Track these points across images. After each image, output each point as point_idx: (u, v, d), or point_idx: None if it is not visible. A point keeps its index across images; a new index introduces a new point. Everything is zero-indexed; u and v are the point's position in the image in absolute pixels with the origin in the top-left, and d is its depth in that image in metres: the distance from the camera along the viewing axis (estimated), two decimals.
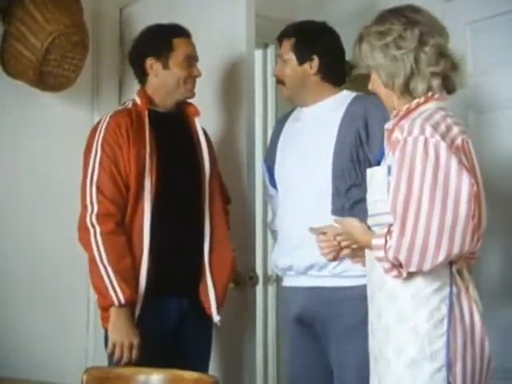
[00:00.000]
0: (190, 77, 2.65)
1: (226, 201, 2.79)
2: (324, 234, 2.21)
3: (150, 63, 2.65)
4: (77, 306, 3.23)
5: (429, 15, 2.10)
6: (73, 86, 3.10)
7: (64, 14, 2.92)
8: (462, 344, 1.94)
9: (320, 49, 2.68)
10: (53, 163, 3.21)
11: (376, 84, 2.13)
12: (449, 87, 2.09)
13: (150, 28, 2.71)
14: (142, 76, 2.70)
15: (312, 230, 2.23)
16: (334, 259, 2.26)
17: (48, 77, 2.98)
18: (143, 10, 3.31)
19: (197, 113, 2.71)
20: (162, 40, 2.64)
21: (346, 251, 2.23)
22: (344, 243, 2.19)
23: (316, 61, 2.67)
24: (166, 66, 2.64)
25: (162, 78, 2.65)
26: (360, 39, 2.13)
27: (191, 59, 2.67)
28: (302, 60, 2.68)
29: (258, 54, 3.74)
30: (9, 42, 2.96)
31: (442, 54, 2.06)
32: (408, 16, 2.07)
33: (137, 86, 3.14)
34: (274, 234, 2.83)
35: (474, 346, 1.96)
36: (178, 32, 2.66)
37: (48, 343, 3.10)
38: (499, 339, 2.62)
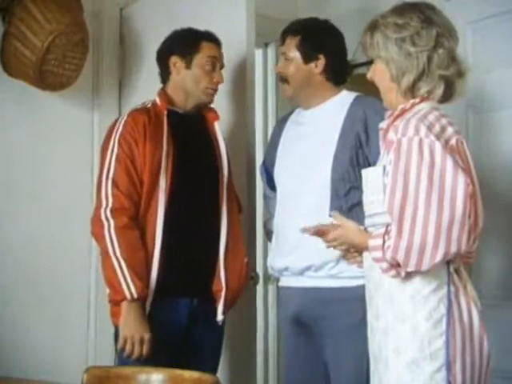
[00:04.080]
0: (211, 82, 2.66)
1: (239, 210, 2.78)
2: (323, 233, 2.20)
3: (174, 61, 2.65)
4: (77, 306, 3.24)
5: (444, 17, 2.09)
6: (73, 85, 3.11)
7: (64, 14, 2.92)
8: (461, 343, 1.94)
9: (326, 48, 2.64)
10: (52, 162, 3.21)
11: (381, 75, 2.11)
12: (449, 94, 2.08)
13: (183, 29, 2.71)
14: (165, 74, 2.70)
15: (305, 229, 2.22)
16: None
17: (48, 76, 2.98)
18: (143, 10, 3.32)
19: (216, 117, 2.71)
20: (191, 40, 2.65)
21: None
22: (341, 247, 2.19)
23: (322, 60, 2.63)
24: (188, 66, 2.65)
25: (182, 78, 2.65)
26: (373, 27, 2.09)
27: (215, 61, 2.67)
28: (307, 59, 2.64)
29: (258, 53, 3.75)
30: (9, 42, 2.96)
31: (453, 58, 2.06)
32: (426, 14, 2.05)
33: (136, 86, 3.16)
34: (270, 234, 2.83)
35: (472, 344, 1.96)
36: (208, 36, 2.67)
37: (48, 343, 3.11)
38: (499, 338, 2.62)
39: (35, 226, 3.14)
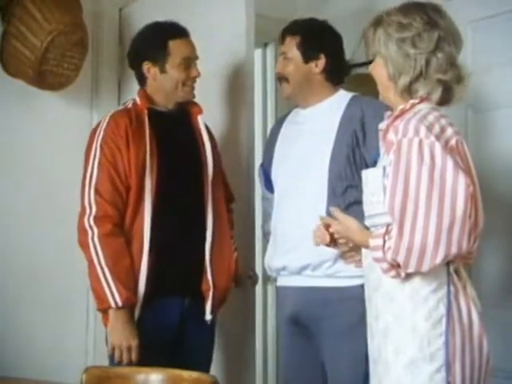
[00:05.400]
0: (189, 79, 2.63)
1: (230, 199, 2.78)
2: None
3: (147, 67, 2.63)
4: (76, 306, 3.23)
5: (450, 21, 2.08)
6: (72, 85, 3.11)
7: (63, 13, 2.92)
8: (460, 343, 1.94)
9: (327, 48, 2.65)
10: (52, 162, 3.21)
11: (379, 71, 2.11)
12: (447, 98, 2.08)
13: (146, 29, 2.68)
14: (141, 78, 2.68)
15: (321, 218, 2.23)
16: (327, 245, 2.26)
17: (47, 76, 2.98)
18: (142, 10, 3.31)
19: (200, 111, 2.70)
20: (158, 44, 2.61)
21: (342, 247, 2.24)
22: (339, 238, 2.18)
23: (322, 60, 2.64)
24: (163, 70, 2.62)
25: (159, 82, 2.63)
26: (377, 23, 2.09)
27: (189, 60, 2.64)
28: (307, 58, 2.64)
29: (258, 53, 3.74)
30: (8, 41, 2.96)
31: (452, 63, 2.05)
32: (430, 16, 2.04)
33: (136, 86, 3.15)
34: (267, 235, 2.83)
35: (472, 345, 1.96)
36: (174, 33, 2.63)
37: (48, 343, 3.11)
38: (499, 338, 2.62)
39: (35, 226, 3.13)
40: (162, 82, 2.63)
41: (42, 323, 3.10)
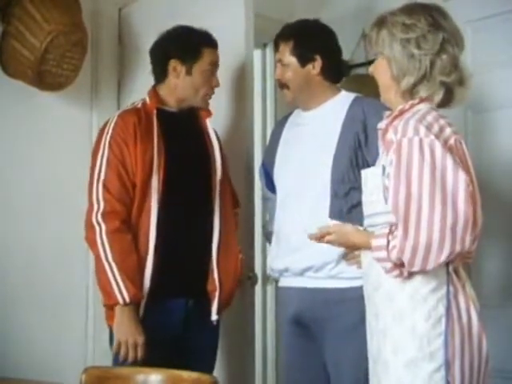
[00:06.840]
0: (210, 88, 2.67)
1: (236, 205, 2.78)
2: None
3: (174, 65, 2.64)
4: (75, 306, 3.23)
5: (453, 23, 2.09)
6: (72, 85, 3.10)
7: (63, 14, 2.91)
8: (459, 343, 1.94)
9: (321, 48, 2.65)
10: (51, 162, 3.21)
11: (382, 72, 2.10)
12: (448, 100, 2.08)
13: (180, 30, 2.69)
14: (160, 75, 2.68)
15: (311, 236, 2.20)
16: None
17: (47, 76, 2.98)
18: (142, 10, 3.32)
19: (209, 114, 2.71)
20: (192, 46, 2.64)
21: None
22: (335, 244, 2.18)
23: (319, 61, 2.65)
24: (189, 72, 2.64)
25: (182, 82, 2.64)
26: (381, 23, 2.09)
27: (214, 70, 2.68)
28: (304, 62, 2.65)
29: (257, 53, 3.74)
30: (8, 42, 2.95)
31: (456, 65, 2.05)
32: (435, 18, 2.05)
33: (137, 85, 3.16)
34: (269, 235, 2.83)
35: (471, 344, 1.96)
36: (208, 41, 2.66)
37: (47, 343, 3.10)
38: (499, 338, 2.62)
39: (34, 226, 3.13)
40: (184, 84, 2.64)
41: (41, 324, 3.10)
